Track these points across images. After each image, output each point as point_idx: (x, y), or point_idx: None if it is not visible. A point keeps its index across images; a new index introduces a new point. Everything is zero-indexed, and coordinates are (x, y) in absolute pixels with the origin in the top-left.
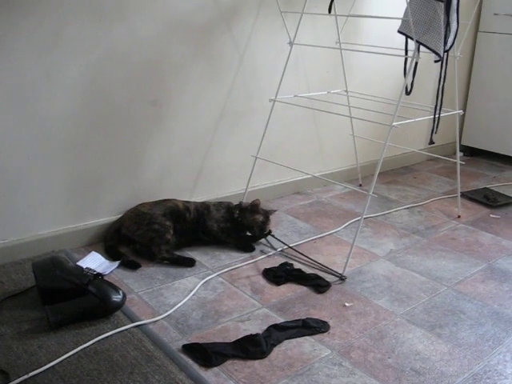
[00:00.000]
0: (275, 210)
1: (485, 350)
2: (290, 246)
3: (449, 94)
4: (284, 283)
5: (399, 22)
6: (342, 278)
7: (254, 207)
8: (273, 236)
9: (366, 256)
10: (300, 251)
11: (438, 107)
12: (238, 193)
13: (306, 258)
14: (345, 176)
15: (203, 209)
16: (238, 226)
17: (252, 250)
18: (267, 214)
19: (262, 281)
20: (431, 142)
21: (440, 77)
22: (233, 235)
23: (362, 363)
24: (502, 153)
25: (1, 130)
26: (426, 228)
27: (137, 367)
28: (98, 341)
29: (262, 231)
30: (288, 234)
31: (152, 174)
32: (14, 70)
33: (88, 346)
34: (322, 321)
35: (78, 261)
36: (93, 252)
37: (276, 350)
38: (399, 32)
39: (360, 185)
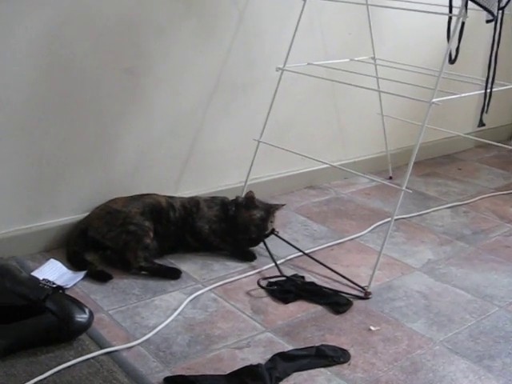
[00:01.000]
0: (283, 205)
1: None
2: (306, 252)
3: (504, 63)
4: (293, 301)
5: None
6: (366, 295)
7: (248, 201)
8: (279, 237)
9: (398, 267)
10: (315, 259)
11: (490, 80)
12: (236, 186)
13: (321, 269)
14: (371, 166)
15: (192, 206)
16: (234, 226)
17: (253, 258)
18: (269, 210)
19: (266, 297)
20: (481, 124)
21: (493, 41)
22: (229, 239)
23: None
24: None
25: None
26: (474, 233)
27: None
28: (59, 371)
29: (262, 231)
30: (299, 238)
31: (127, 161)
32: None
33: (45, 378)
34: (340, 349)
35: (33, 270)
36: (52, 260)
37: None
38: None
39: (390, 177)
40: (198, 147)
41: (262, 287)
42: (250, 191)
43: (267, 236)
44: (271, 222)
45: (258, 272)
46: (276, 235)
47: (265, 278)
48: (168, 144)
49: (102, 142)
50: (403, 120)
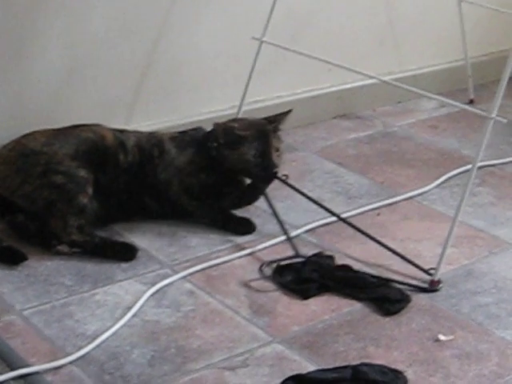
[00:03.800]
0: (287, 112)
1: None
2: (340, 216)
3: None
4: (316, 294)
5: None
6: (433, 286)
7: (227, 135)
8: (290, 185)
9: (483, 243)
10: (354, 226)
11: None
12: (225, 114)
13: (361, 245)
14: (440, 83)
15: (152, 146)
16: (221, 175)
17: (250, 228)
18: (265, 131)
19: (273, 289)
20: None
21: None
22: (209, 201)
23: None
24: None
25: None
26: None
27: None
28: None
29: (269, 168)
30: (325, 196)
31: (52, 74)
32: None
33: None
34: (392, 369)
35: None
36: None
37: None
38: None
39: (471, 100)
40: (162, 53)
41: (267, 278)
42: (216, 123)
43: (268, 180)
44: (277, 149)
45: (260, 250)
46: (283, 181)
47: (272, 262)
48: (115, 47)
49: (12, 44)
50: (493, 9)
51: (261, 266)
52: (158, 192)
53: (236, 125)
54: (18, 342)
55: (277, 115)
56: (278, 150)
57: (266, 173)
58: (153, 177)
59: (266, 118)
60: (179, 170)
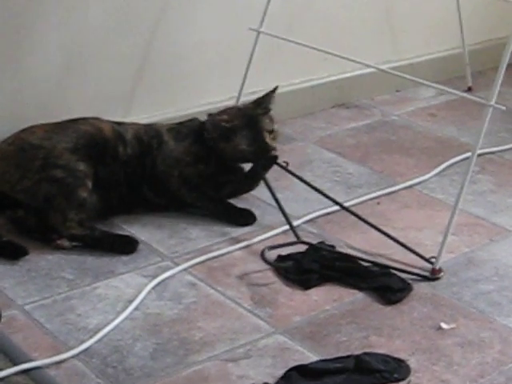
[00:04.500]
0: (273, 90)
1: None
2: (343, 204)
3: None
4: (318, 284)
5: None
6: (434, 274)
7: (220, 130)
8: (289, 171)
9: (483, 231)
10: (357, 215)
11: None
12: (223, 105)
13: (361, 234)
14: (438, 71)
15: (150, 138)
16: (219, 164)
17: (251, 219)
18: (255, 117)
19: (274, 280)
20: None
21: None
22: (210, 192)
23: None
24: None
25: None
26: None
27: None
28: None
29: (264, 152)
30: (325, 186)
31: (50, 68)
32: None
33: None
34: (394, 358)
35: None
36: None
37: None
38: None
39: (469, 88)
40: (160, 45)
41: (269, 263)
42: (208, 117)
43: (268, 165)
44: (270, 131)
45: (260, 241)
46: (284, 168)
47: (272, 248)
48: (113, 40)
49: (10, 39)
50: None
51: (262, 252)
52: (157, 183)
53: (223, 117)
54: (20, 337)
55: (264, 96)
56: (271, 131)
57: (263, 157)
58: (152, 168)
59: (254, 102)
60: (178, 160)
